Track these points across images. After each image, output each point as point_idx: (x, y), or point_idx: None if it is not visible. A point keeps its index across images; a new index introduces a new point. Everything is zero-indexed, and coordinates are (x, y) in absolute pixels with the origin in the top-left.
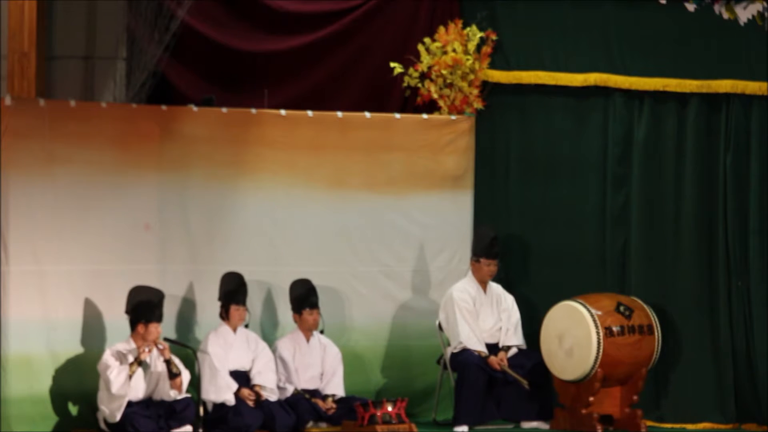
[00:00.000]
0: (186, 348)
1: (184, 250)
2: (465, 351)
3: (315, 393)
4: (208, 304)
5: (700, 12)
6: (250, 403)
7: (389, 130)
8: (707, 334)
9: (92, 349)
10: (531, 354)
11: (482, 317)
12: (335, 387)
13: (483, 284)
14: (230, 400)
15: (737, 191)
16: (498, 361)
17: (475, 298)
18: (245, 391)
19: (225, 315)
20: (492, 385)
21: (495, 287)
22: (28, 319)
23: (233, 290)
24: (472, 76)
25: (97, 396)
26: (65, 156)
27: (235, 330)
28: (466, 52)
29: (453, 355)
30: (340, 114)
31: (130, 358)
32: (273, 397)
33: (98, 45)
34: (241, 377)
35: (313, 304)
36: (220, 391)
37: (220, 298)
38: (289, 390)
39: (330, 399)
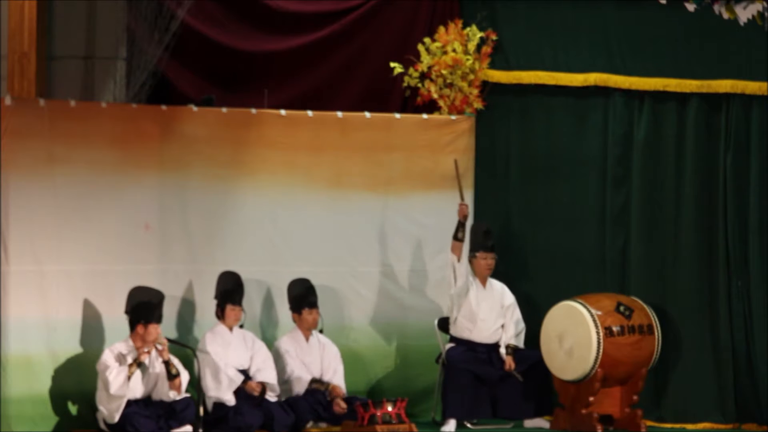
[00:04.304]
0: (186, 348)
1: (184, 250)
2: (452, 349)
3: (318, 391)
4: (208, 304)
5: (700, 12)
6: (256, 394)
7: (389, 130)
8: (707, 334)
9: (92, 349)
10: (530, 353)
11: (482, 316)
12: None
13: (483, 281)
14: (230, 401)
15: (737, 191)
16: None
17: (477, 294)
18: (252, 383)
19: (221, 314)
20: (488, 384)
21: (496, 285)
22: (28, 319)
23: (229, 290)
24: (472, 76)
25: (96, 396)
26: (65, 156)
27: (231, 329)
28: (466, 52)
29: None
30: (340, 114)
31: (129, 359)
32: (272, 397)
33: (98, 45)
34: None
35: (312, 304)
36: (221, 388)
37: (216, 297)
38: (305, 379)
39: (338, 399)
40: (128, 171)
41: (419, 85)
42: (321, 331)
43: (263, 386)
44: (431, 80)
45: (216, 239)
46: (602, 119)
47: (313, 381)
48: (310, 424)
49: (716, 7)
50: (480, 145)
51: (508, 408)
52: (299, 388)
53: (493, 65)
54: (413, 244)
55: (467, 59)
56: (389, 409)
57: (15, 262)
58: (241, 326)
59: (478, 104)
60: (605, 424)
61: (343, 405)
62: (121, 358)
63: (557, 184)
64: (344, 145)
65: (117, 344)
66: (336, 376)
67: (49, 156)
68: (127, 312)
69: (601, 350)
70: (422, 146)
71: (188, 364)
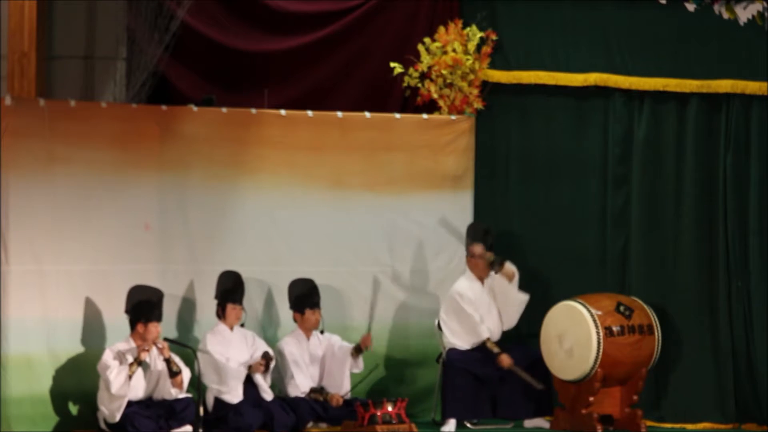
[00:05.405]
0: (186, 348)
1: (184, 249)
2: (453, 349)
3: (321, 390)
4: (208, 303)
5: (700, 12)
6: (263, 369)
7: (389, 130)
8: (707, 334)
9: (92, 349)
10: (530, 352)
11: (483, 315)
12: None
13: (481, 280)
14: (233, 392)
15: (737, 191)
16: (509, 362)
17: (476, 295)
18: (255, 364)
19: (221, 314)
20: (488, 384)
21: (491, 281)
22: (28, 319)
23: (230, 289)
24: (472, 76)
25: (98, 396)
26: (65, 156)
27: (231, 328)
28: (466, 52)
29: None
30: (340, 114)
31: (130, 358)
32: (269, 396)
33: (98, 45)
34: None
35: (315, 304)
36: (224, 380)
37: (217, 297)
38: (303, 387)
39: (337, 397)
40: (128, 171)
41: (419, 85)
42: (322, 332)
43: (266, 357)
44: (431, 80)
45: (216, 239)
46: (602, 119)
47: (312, 391)
48: (310, 425)
49: (716, 7)
50: (480, 145)
51: (508, 408)
52: (296, 393)
53: (493, 65)
54: (413, 244)
55: (467, 59)
56: (389, 409)
57: (15, 262)
58: (242, 325)
59: (478, 104)
60: (605, 424)
61: (340, 400)
62: (121, 358)
63: (557, 184)
64: (344, 145)
65: (118, 344)
66: (345, 366)
67: (49, 156)
68: (127, 311)
69: (601, 350)
70: (422, 146)
71: (189, 364)
